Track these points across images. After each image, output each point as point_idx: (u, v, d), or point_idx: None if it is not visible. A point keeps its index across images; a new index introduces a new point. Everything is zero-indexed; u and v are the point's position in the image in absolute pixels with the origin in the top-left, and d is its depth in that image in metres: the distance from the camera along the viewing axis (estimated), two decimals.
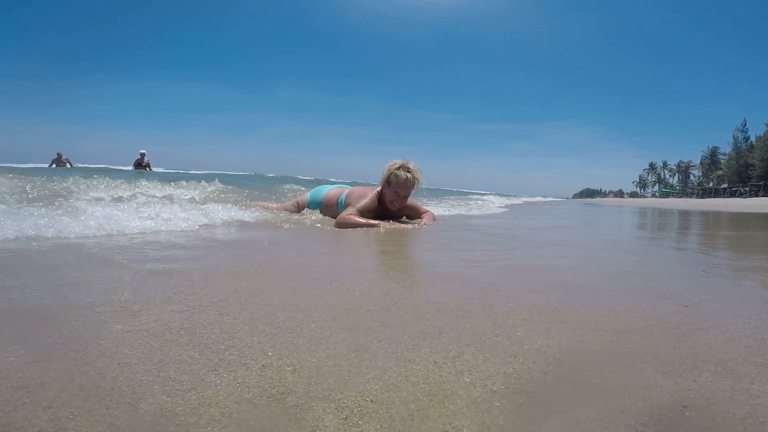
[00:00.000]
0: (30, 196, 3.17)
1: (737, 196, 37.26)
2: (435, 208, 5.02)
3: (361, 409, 0.60)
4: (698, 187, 63.60)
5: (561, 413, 0.60)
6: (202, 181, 5.22)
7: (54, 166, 13.83)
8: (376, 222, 2.94)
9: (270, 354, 0.76)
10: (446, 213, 5.39)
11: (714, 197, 41.19)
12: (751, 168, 44.11)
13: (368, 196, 3.19)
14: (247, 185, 6.62)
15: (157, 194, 4.29)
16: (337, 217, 3.00)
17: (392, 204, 3.21)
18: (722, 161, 60.84)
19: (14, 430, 0.53)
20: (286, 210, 3.71)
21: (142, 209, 2.56)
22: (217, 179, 5.37)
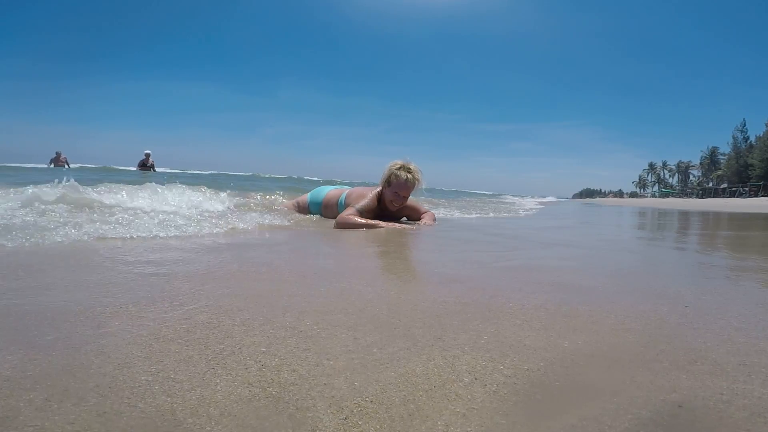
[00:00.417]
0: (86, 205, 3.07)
1: (737, 196, 37.28)
2: (465, 214, 4.95)
3: (361, 409, 0.60)
4: (698, 188, 63.64)
5: (561, 413, 0.60)
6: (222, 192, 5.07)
7: (52, 165, 13.79)
8: (375, 222, 2.94)
9: (269, 354, 0.76)
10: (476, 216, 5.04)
11: (714, 197, 41.22)
12: (750, 168, 44.13)
13: (368, 196, 3.19)
14: (266, 186, 6.58)
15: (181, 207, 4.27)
16: (337, 218, 3.00)
17: (392, 204, 3.21)
18: (722, 161, 60.88)
19: (11, 431, 0.53)
20: (286, 209, 3.74)
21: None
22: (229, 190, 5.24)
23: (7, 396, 0.60)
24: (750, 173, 44.00)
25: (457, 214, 5.22)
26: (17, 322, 0.88)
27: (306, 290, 1.19)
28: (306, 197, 3.78)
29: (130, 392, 0.62)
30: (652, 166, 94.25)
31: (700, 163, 73.75)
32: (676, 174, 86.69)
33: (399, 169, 3.16)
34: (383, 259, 1.82)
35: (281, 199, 4.55)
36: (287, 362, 0.73)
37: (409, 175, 3.14)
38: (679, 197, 55.72)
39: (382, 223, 2.94)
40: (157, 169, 13.72)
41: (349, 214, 2.98)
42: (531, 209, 8.31)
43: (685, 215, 7.92)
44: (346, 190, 3.47)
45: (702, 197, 45.58)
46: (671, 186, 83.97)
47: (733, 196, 38.07)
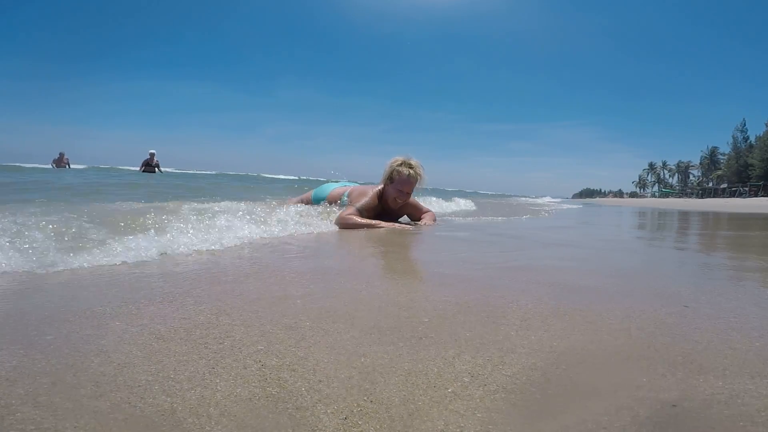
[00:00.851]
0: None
1: (737, 196, 37.28)
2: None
3: (360, 409, 0.60)
4: (698, 187, 63.62)
5: (560, 413, 0.60)
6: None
7: (54, 166, 13.72)
8: (375, 222, 2.94)
9: (269, 354, 0.76)
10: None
11: (713, 197, 41.22)
12: (750, 168, 44.13)
13: (368, 194, 3.19)
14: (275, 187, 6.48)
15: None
16: (337, 217, 3.00)
17: (395, 201, 3.20)
18: (722, 161, 60.88)
19: (11, 430, 0.53)
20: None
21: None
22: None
23: (1, 395, 0.60)
24: (750, 173, 43.99)
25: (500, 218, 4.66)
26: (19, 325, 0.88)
27: (305, 291, 1.19)
28: (310, 195, 3.80)
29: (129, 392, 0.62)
30: (652, 166, 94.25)
31: (700, 163, 73.76)
32: (676, 174, 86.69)
33: (400, 165, 3.16)
34: (383, 259, 1.82)
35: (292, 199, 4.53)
36: (287, 362, 0.73)
37: (411, 171, 3.14)
38: (679, 197, 55.71)
39: (383, 224, 2.94)
40: (162, 169, 13.53)
41: (349, 214, 2.97)
42: (553, 210, 8.29)
43: (685, 215, 7.92)
44: (349, 188, 3.48)
45: (702, 197, 45.58)
46: (671, 186, 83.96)
47: (733, 196, 38.07)
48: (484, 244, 2.37)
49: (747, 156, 46.78)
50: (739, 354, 0.81)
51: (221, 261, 1.59)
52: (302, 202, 3.78)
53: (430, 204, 5.11)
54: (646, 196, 77.92)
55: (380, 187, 3.25)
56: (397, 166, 3.15)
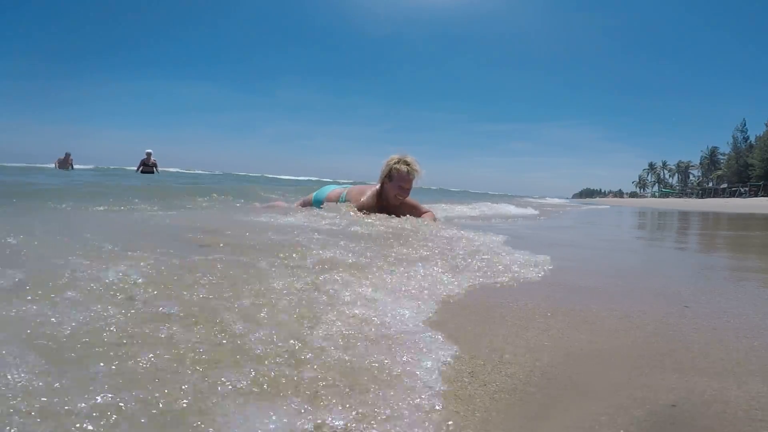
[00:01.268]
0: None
1: (737, 196, 37.30)
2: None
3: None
4: (698, 187, 63.65)
5: (559, 413, 0.60)
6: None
7: (58, 166, 13.47)
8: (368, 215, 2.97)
9: None
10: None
11: (713, 197, 41.22)
12: (750, 168, 44.13)
13: (367, 193, 3.21)
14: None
15: None
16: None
17: (396, 198, 3.21)
18: (721, 161, 60.89)
19: None
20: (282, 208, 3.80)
21: None
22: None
23: None
24: (750, 173, 44.00)
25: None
26: None
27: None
28: (311, 197, 3.83)
29: None
30: (652, 166, 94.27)
31: (700, 163, 73.78)
32: (676, 174, 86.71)
33: (397, 162, 3.18)
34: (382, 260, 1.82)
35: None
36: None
37: (409, 167, 3.16)
38: (679, 197, 55.72)
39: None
40: (160, 169, 13.24)
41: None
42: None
43: (685, 215, 7.92)
44: (346, 189, 3.50)
45: (702, 197, 45.60)
46: (671, 186, 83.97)
47: (733, 196, 38.08)
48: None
49: (747, 156, 46.79)
50: (737, 354, 0.81)
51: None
52: (303, 203, 3.82)
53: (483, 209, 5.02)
54: (646, 196, 77.95)
55: (378, 186, 3.26)
56: (394, 163, 3.17)
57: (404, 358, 0.70)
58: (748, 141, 50.66)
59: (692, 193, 59.80)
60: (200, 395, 0.55)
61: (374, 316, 0.86)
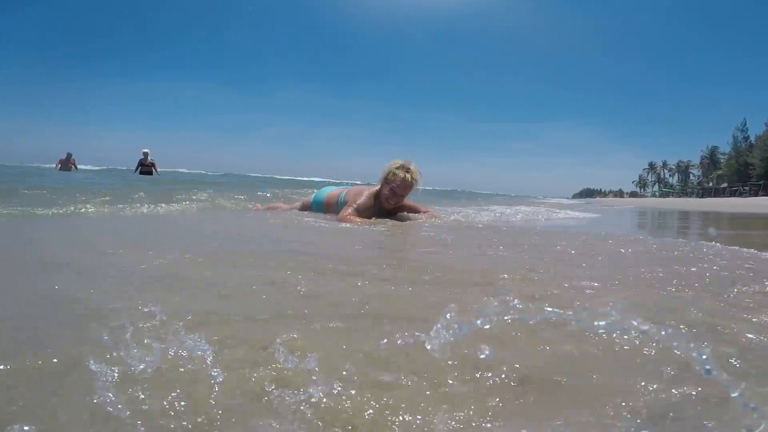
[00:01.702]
0: None
1: (737, 196, 37.27)
2: None
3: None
4: (698, 187, 63.61)
5: (556, 416, 0.60)
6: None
7: (59, 167, 13.11)
8: (373, 221, 2.96)
9: None
10: None
11: (714, 197, 41.19)
12: (750, 167, 44.11)
13: (364, 194, 3.21)
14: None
15: None
16: (337, 217, 3.02)
17: (387, 202, 3.21)
18: (721, 161, 60.87)
19: None
20: (294, 210, 3.86)
21: None
22: None
23: None
24: (750, 172, 43.97)
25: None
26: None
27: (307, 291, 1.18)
28: (310, 198, 3.84)
29: None
30: (652, 166, 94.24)
31: (700, 163, 73.76)
32: (676, 174, 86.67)
33: (398, 168, 3.18)
34: (382, 259, 1.82)
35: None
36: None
37: (407, 175, 3.15)
38: (680, 197, 55.67)
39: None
40: (160, 170, 12.86)
41: (348, 214, 3.00)
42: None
43: (685, 215, 7.91)
44: (345, 190, 3.50)
45: (702, 197, 45.55)
46: (671, 186, 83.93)
47: (734, 196, 38.05)
48: (485, 243, 2.36)
49: (747, 155, 46.77)
50: (737, 355, 0.80)
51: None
52: (303, 205, 3.83)
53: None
54: (647, 196, 77.93)
55: (377, 187, 3.26)
56: (395, 168, 3.17)
57: None
58: (749, 140, 50.63)
59: (692, 193, 59.78)
60: None
61: None
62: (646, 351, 0.80)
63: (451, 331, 0.69)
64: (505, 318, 0.71)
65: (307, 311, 0.97)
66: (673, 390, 0.66)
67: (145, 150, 12.49)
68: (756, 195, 35.22)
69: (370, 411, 0.58)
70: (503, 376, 0.69)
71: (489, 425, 0.57)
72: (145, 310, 0.87)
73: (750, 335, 0.90)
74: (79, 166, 14.01)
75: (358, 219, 2.96)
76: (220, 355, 0.72)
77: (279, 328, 0.86)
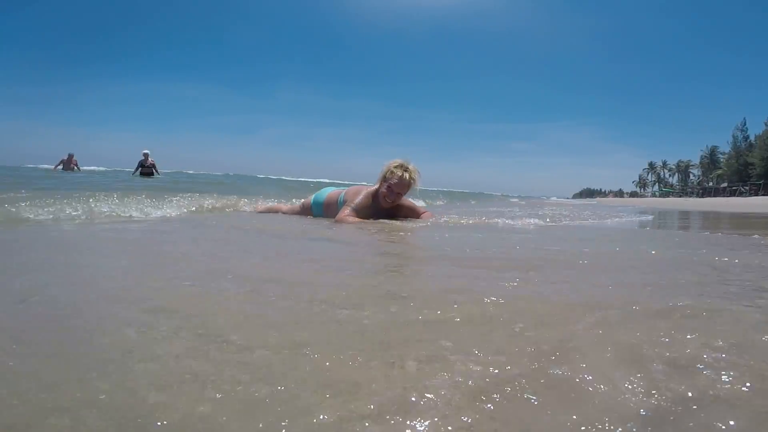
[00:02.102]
0: None
1: (737, 195, 37.28)
2: None
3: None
4: (698, 187, 63.63)
5: (553, 414, 0.59)
6: None
7: (61, 167, 12.95)
8: (372, 222, 2.95)
9: None
10: None
11: (714, 196, 41.20)
12: (750, 167, 44.11)
13: (362, 193, 3.21)
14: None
15: None
16: (336, 218, 3.02)
17: (384, 200, 3.20)
18: (721, 160, 60.89)
19: None
20: (293, 212, 3.87)
21: None
22: None
23: None
24: (750, 172, 43.98)
25: None
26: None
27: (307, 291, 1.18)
28: (310, 199, 3.84)
29: None
30: (652, 166, 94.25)
31: (700, 163, 73.78)
32: (676, 173, 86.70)
33: (397, 166, 3.18)
34: (381, 258, 1.81)
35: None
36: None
37: (406, 174, 3.15)
38: (680, 196, 55.68)
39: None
40: (161, 171, 12.63)
41: (346, 215, 3.00)
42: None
43: (685, 215, 7.91)
44: (344, 190, 3.50)
45: (702, 196, 45.56)
46: (671, 185, 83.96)
47: (734, 195, 38.06)
48: (485, 242, 2.36)
49: (747, 155, 46.79)
50: (737, 354, 0.80)
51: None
52: (303, 206, 3.83)
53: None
54: (647, 196, 77.99)
55: (375, 187, 3.26)
56: (394, 167, 3.17)
57: None
58: (748, 140, 50.67)
59: (692, 193, 59.82)
60: None
61: None
62: None
63: None
64: None
65: None
66: None
67: (146, 151, 12.38)
68: (756, 194, 35.22)
69: None
70: None
71: None
72: None
73: None
74: (81, 168, 13.88)
75: (356, 219, 2.96)
76: None
77: None
